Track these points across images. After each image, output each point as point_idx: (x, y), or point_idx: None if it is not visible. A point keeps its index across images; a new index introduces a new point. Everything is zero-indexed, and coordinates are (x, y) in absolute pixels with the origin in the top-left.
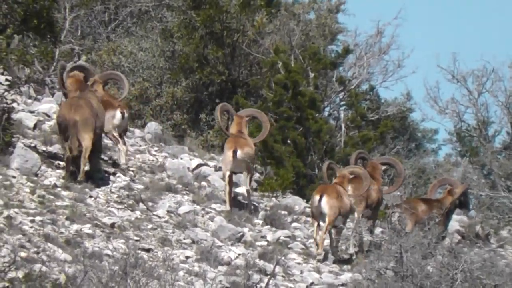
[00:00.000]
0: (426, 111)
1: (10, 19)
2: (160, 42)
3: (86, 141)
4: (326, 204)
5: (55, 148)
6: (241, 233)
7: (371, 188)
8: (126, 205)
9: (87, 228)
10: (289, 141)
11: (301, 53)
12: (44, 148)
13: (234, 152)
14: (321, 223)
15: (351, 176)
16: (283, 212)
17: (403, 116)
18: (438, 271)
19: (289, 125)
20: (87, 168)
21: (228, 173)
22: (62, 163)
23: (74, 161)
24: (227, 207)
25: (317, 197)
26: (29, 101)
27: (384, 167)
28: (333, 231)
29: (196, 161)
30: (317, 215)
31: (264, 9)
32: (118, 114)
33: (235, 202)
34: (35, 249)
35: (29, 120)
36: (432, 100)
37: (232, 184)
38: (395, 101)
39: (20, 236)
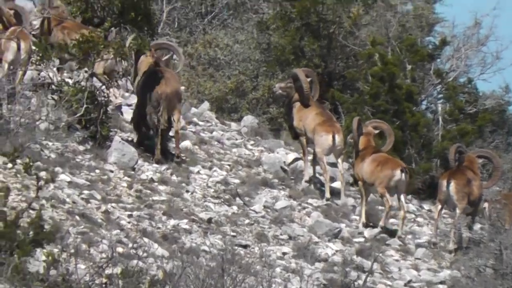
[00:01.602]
0: None
1: (108, 12)
2: (256, 34)
3: (177, 114)
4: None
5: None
6: (338, 229)
7: (473, 184)
8: (222, 200)
9: (184, 223)
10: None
11: (398, 45)
12: None
13: (333, 137)
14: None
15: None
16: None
17: (501, 109)
18: None
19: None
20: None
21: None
22: None
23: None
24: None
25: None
26: (127, 94)
27: (480, 160)
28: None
29: (293, 155)
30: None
31: (360, 0)
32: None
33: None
34: (132, 245)
35: (127, 114)
36: None
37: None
38: (493, 94)
39: (118, 231)
